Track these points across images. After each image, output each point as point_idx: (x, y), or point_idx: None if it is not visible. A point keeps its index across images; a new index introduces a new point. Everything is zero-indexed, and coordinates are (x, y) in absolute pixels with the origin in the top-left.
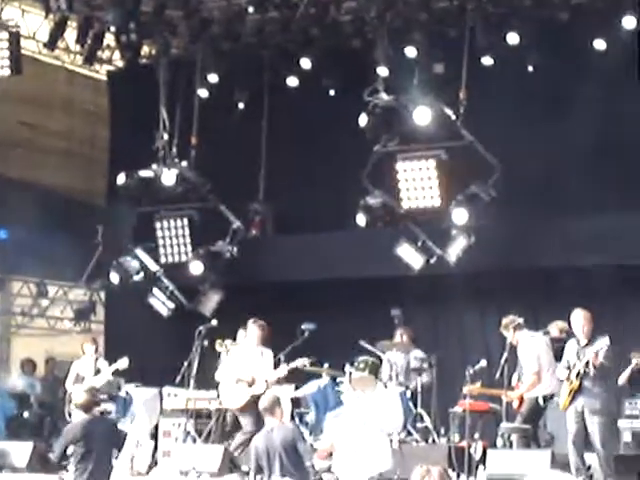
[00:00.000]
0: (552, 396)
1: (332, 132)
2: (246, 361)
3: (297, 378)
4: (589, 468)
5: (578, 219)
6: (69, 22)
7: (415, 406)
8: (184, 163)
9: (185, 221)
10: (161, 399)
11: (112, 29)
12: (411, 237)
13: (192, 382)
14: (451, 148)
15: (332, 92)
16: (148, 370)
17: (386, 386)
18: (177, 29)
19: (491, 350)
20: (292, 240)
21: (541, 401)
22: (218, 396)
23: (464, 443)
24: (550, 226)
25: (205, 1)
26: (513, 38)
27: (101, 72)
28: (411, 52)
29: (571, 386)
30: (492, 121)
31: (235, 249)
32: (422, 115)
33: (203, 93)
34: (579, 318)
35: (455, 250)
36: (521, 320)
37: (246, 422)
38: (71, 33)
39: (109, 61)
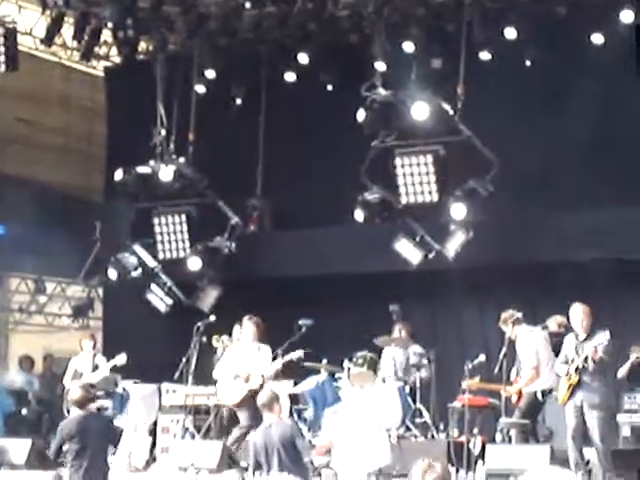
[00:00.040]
0: (551, 391)
1: (330, 127)
2: (243, 357)
3: (295, 374)
4: (588, 463)
5: (575, 213)
6: (66, 18)
7: (414, 401)
8: (182, 159)
9: (183, 217)
10: (160, 395)
11: (109, 25)
12: (409, 232)
13: (190, 378)
14: (449, 143)
15: (330, 87)
16: (146, 366)
17: (384, 381)
18: (174, 25)
19: (490, 345)
20: (290, 236)
21: (540, 396)
22: (217, 393)
23: (463, 438)
24: (548, 221)
25: None
26: (511, 33)
27: (98, 68)
28: (409, 47)
29: (570, 381)
30: (490, 116)
31: (233, 245)
32: (420, 110)
33: (200, 89)
34: (578, 312)
35: (453, 245)
36: (520, 315)
37: (243, 417)
38: (68, 29)
39: (106, 57)
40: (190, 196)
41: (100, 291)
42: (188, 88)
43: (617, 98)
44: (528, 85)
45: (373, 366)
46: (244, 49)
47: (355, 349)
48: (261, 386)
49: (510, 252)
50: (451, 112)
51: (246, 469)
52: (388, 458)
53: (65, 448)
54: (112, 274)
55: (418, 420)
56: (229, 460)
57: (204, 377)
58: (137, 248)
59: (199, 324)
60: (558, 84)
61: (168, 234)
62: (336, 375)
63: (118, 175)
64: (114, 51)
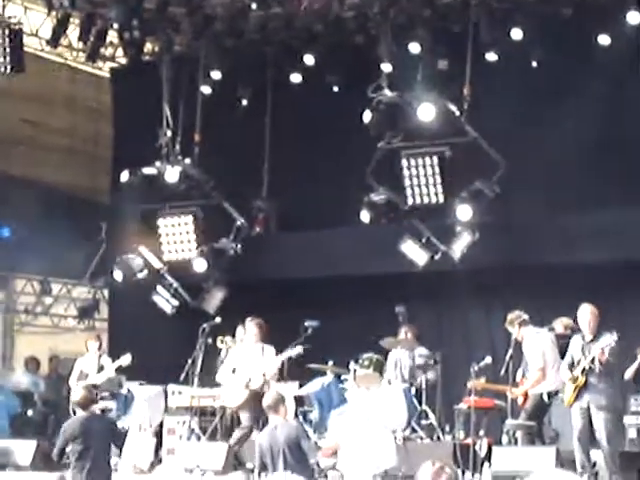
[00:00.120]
0: (557, 392)
1: (336, 129)
2: (246, 359)
3: (301, 376)
4: (594, 465)
5: (581, 214)
6: (72, 19)
7: (420, 403)
8: (187, 160)
9: (189, 218)
10: (165, 397)
11: (115, 26)
12: (415, 234)
13: (196, 379)
14: (455, 144)
15: (336, 88)
16: (152, 368)
17: (390, 383)
18: (180, 26)
19: (496, 346)
20: (296, 237)
21: (546, 397)
22: (220, 396)
23: (469, 440)
24: (554, 222)
25: None
26: (517, 34)
27: (104, 69)
28: (415, 48)
29: (576, 382)
30: (496, 117)
31: (239, 246)
32: (426, 111)
33: (206, 90)
34: (586, 313)
35: (459, 246)
36: (526, 316)
37: (245, 417)
38: (74, 30)
39: (112, 58)
40: (196, 197)
41: (106, 292)
42: (194, 89)
43: (623, 99)
44: (534, 86)
45: (379, 368)
46: (250, 50)
47: (361, 351)
48: (262, 386)
49: (516, 253)
50: (457, 113)
51: (252, 470)
52: (394, 460)
53: (68, 449)
54: (118, 275)
55: (424, 422)
56: (235, 461)
57: (210, 378)
58: (143, 249)
59: (205, 326)
60: (564, 85)
61: (174, 235)
62: (342, 377)
63: (124, 176)
64: (120, 52)
